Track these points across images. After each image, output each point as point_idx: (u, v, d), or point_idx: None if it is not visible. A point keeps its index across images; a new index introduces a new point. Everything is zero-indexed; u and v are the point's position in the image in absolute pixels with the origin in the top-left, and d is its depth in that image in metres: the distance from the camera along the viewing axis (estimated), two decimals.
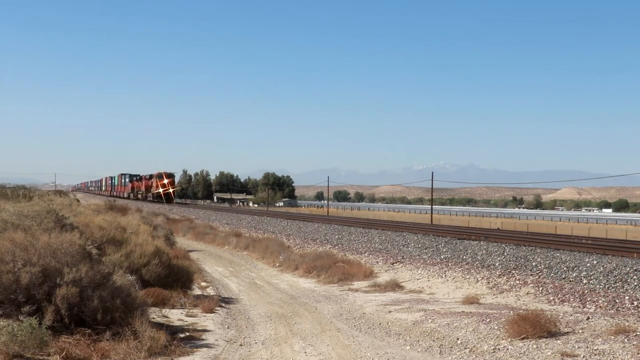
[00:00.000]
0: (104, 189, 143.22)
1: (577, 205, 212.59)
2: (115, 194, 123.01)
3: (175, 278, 13.58)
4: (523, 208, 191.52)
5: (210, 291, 15.56)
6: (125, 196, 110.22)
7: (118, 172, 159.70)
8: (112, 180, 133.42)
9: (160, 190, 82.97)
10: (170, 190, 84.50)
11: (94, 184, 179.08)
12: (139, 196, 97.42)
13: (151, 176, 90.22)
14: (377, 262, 19.44)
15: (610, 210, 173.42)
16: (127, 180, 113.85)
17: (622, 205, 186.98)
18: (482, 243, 19.84)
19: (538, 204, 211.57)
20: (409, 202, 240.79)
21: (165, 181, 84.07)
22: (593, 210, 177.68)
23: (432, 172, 59.82)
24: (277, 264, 21.52)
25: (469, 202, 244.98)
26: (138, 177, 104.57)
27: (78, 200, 57.05)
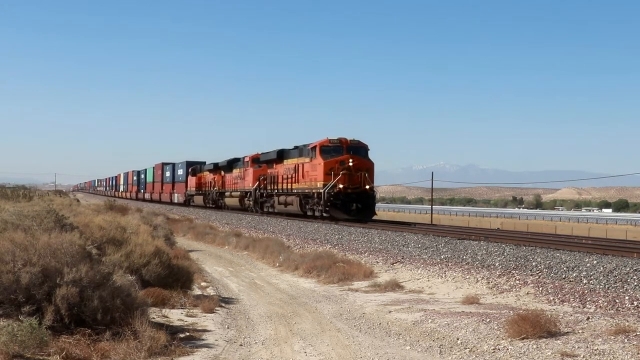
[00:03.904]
0: (122, 188, 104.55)
1: (577, 205, 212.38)
2: (146, 196, 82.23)
3: (175, 278, 13.59)
4: (523, 208, 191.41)
5: (210, 291, 15.56)
6: (174, 200, 66.51)
7: (118, 171, 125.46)
8: (139, 176, 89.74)
9: (340, 185, 31.37)
10: (367, 186, 32.01)
11: (103, 183, 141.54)
12: (224, 201, 50.52)
13: (281, 156, 37.86)
14: (377, 262, 19.43)
15: (610, 210, 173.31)
16: (180, 172, 65.68)
17: (622, 205, 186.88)
18: (482, 243, 19.83)
19: (538, 204, 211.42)
20: (409, 202, 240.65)
21: (351, 163, 31.85)
22: (593, 210, 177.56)
23: (432, 172, 59.86)
24: (277, 264, 21.51)
25: (469, 202, 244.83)
26: (218, 165, 52.59)
27: (78, 201, 57.05)
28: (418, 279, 16.48)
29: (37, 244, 9.25)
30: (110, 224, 15.50)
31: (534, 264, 15.67)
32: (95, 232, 13.75)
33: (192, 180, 60.83)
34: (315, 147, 32.83)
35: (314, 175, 32.77)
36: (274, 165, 39.09)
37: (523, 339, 8.95)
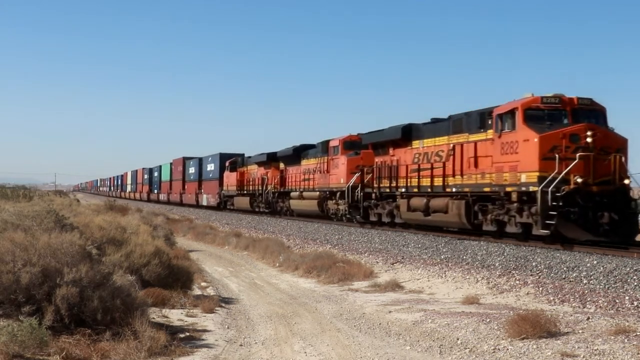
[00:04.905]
0: (129, 188, 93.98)
1: None
2: (161, 197, 70.96)
3: (175, 278, 13.60)
4: None
5: (210, 291, 15.57)
6: (202, 202, 55.21)
7: (121, 171, 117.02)
8: (151, 175, 77.44)
9: (578, 179, 16.74)
10: (625, 180, 17.40)
11: (106, 183, 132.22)
12: (289, 205, 37.66)
13: (408, 134, 23.99)
14: (377, 262, 19.42)
15: None
16: (210, 167, 53.47)
17: None
18: (482, 243, 19.83)
19: None
20: None
21: (589, 139, 16.83)
22: None
23: None
24: (277, 264, 21.51)
25: None
26: (277, 156, 39.69)
27: (78, 201, 57.07)
28: (418, 279, 16.48)
29: (37, 244, 9.25)
30: (110, 224, 15.52)
31: (534, 264, 15.68)
32: (95, 232, 13.77)
33: (230, 177, 47.43)
34: (512, 111, 18.33)
35: (507, 160, 18.53)
36: (391, 150, 25.74)
37: (523, 339, 8.95)
